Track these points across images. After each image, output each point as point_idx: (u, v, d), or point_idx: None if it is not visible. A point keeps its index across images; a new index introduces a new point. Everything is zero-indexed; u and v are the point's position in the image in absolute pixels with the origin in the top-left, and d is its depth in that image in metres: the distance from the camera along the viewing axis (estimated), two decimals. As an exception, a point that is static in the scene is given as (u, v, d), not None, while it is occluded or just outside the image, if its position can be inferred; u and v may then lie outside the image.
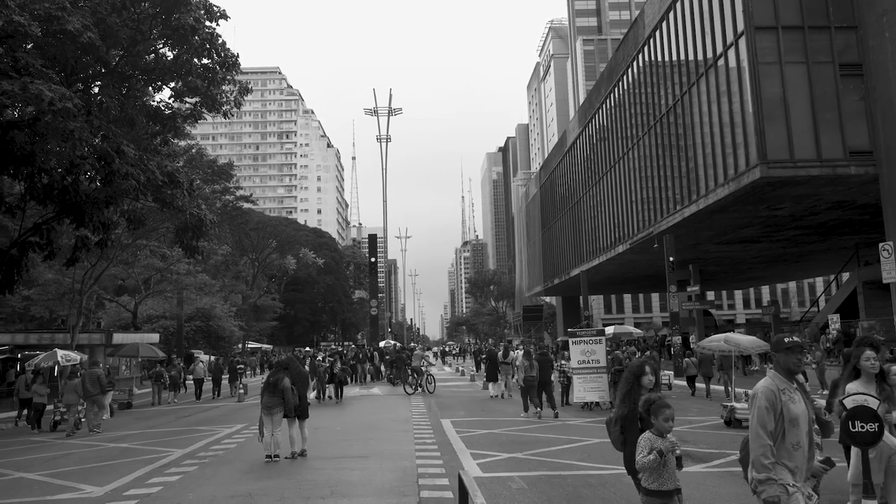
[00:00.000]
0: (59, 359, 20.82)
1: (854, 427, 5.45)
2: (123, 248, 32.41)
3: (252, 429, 14.95)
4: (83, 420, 18.46)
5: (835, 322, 29.41)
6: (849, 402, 5.56)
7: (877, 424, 5.33)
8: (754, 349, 16.84)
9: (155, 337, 37.97)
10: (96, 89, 21.25)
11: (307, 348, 30.63)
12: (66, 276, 32.14)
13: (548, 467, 10.12)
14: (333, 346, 60.36)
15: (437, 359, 55.61)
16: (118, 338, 33.79)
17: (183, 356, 39.48)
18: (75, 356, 22.25)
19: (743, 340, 16.51)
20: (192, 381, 29.98)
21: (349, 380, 28.15)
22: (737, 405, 14.32)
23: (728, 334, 18.20)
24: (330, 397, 23.87)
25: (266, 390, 11.66)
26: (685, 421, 15.59)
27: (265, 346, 69.42)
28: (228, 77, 21.56)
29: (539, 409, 17.18)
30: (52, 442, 16.26)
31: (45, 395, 19.35)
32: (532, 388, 17.34)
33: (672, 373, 25.68)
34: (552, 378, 18.27)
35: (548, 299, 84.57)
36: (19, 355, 29.54)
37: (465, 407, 20.02)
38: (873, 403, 5.47)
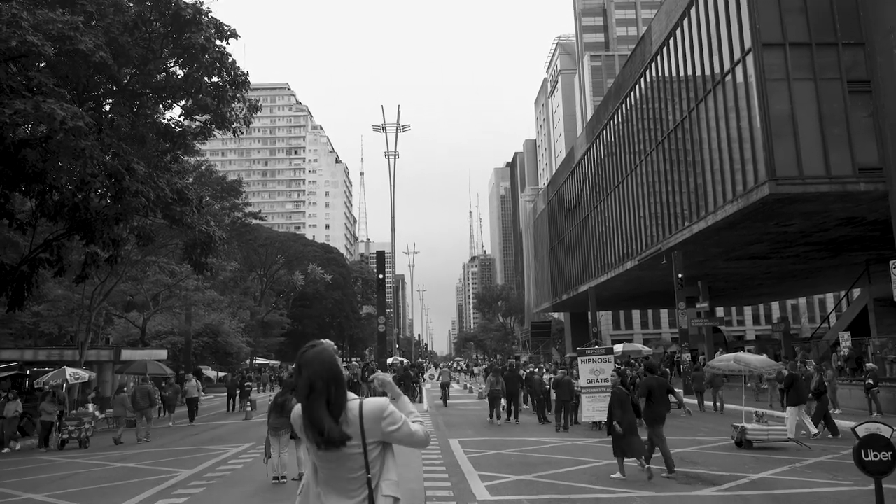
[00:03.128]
0: (68, 377, 20.86)
1: (867, 456, 5.37)
2: (133, 265, 32.47)
3: (259, 448, 14.89)
4: (90, 435, 18.72)
5: (846, 339, 29.07)
6: (861, 431, 5.48)
7: (890, 453, 5.24)
8: (765, 369, 16.68)
9: (163, 353, 38.00)
10: (107, 107, 21.42)
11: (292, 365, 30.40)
12: (75, 292, 32.22)
13: (557, 490, 10.03)
14: None
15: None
16: (126, 354, 33.88)
17: (192, 371, 39.48)
18: (84, 374, 22.31)
19: (753, 360, 16.37)
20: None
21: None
22: (748, 426, 14.17)
23: (738, 353, 18.06)
24: None
25: (273, 411, 11.63)
26: (694, 441, 15.45)
27: (272, 361, 69.34)
28: (238, 95, 21.68)
29: (499, 419, 20.57)
30: (59, 461, 16.25)
31: (53, 413, 19.39)
32: (496, 399, 20.74)
33: (682, 391, 25.54)
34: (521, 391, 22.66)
35: (556, 315, 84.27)
36: (28, 371, 29.63)
37: (473, 426, 19.91)
38: (886, 431, 5.38)
